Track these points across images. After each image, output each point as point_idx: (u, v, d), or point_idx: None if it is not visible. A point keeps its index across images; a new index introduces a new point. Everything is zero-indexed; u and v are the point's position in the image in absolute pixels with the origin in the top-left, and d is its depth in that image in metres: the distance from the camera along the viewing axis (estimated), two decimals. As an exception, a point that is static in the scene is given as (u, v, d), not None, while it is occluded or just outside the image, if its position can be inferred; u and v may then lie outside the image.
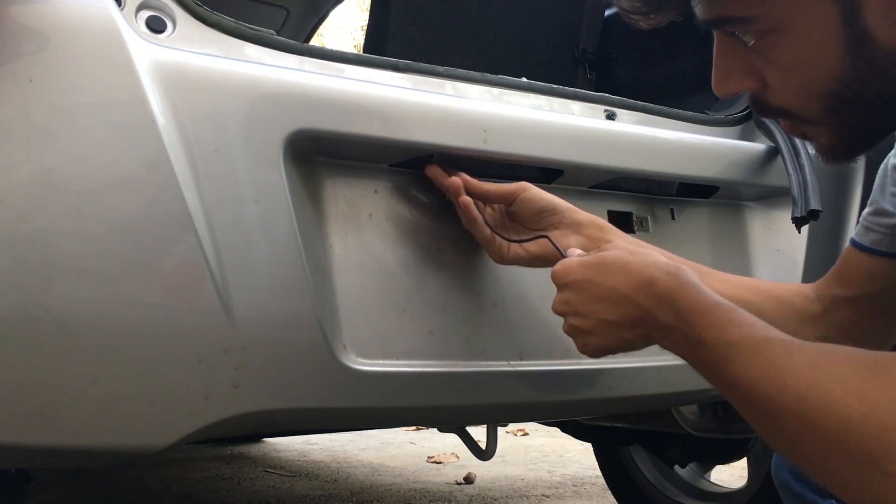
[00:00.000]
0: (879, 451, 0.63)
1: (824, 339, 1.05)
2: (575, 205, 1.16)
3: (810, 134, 0.82)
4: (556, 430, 3.05)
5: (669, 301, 0.83)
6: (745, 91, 0.82)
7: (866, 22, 0.72)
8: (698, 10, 0.78)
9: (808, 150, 1.44)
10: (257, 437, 3.80)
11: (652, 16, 0.79)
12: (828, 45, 0.74)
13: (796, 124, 0.82)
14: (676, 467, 2.20)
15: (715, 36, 0.81)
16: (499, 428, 1.92)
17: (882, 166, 1.07)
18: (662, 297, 0.84)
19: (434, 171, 1.15)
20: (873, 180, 1.09)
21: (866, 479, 0.64)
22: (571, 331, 0.93)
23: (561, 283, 0.94)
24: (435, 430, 3.56)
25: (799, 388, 0.69)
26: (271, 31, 1.15)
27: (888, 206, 1.04)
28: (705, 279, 0.90)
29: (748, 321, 0.78)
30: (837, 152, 0.82)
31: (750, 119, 1.58)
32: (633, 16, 0.80)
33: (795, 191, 1.39)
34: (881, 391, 0.65)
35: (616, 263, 0.89)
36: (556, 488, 2.88)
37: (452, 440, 3.30)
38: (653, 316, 0.85)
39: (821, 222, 1.40)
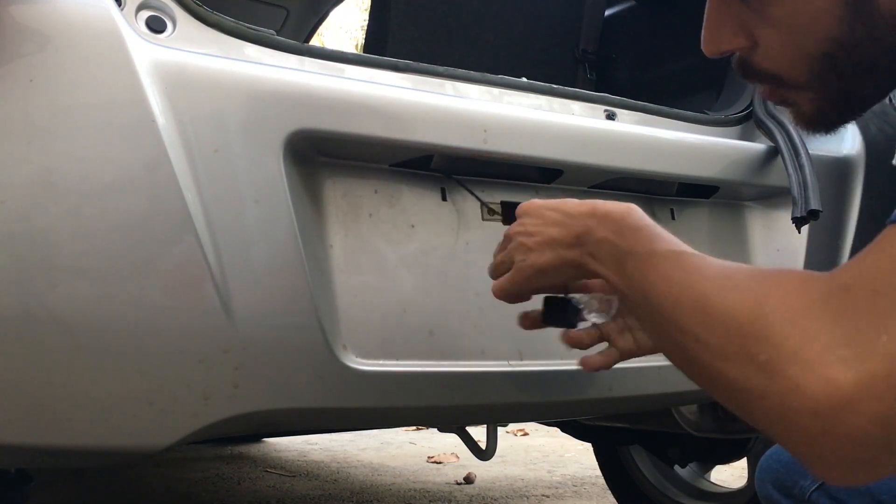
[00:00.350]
0: (765, 357, 0.62)
1: None
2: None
3: (791, 100, 0.81)
4: (556, 430, 3.05)
5: (613, 220, 0.86)
6: (733, 50, 0.81)
7: None
8: None
9: (808, 150, 1.44)
10: (257, 437, 3.79)
11: None
12: (829, 3, 0.73)
13: (779, 89, 0.81)
14: (676, 467, 2.20)
15: None
16: (499, 428, 1.92)
17: None
18: (607, 216, 0.87)
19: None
20: (873, 180, 1.09)
21: (754, 386, 0.63)
22: (515, 249, 0.96)
23: (521, 213, 0.97)
24: (435, 430, 3.56)
25: (703, 290, 0.70)
26: (271, 31, 1.15)
27: None
28: None
29: (677, 241, 0.80)
30: (817, 121, 0.81)
31: (750, 119, 1.58)
32: None
33: (795, 191, 1.39)
34: (772, 298, 0.65)
35: (574, 200, 0.93)
36: (556, 488, 2.88)
37: (452, 440, 3.30)
38: (591, 232, 0.88)
39: (821, 222, 1.40)
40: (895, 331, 0.58)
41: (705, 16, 0.81)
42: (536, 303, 1.03)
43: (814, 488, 0.97)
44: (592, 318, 1.01)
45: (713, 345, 0.67)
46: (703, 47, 0.82)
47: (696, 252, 0.78)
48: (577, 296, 1.01)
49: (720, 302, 0.68)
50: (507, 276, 0.97)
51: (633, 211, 0.86)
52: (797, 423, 0.60)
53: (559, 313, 1.02)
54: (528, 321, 1.06)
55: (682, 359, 0.73)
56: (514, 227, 0.97)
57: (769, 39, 0.78)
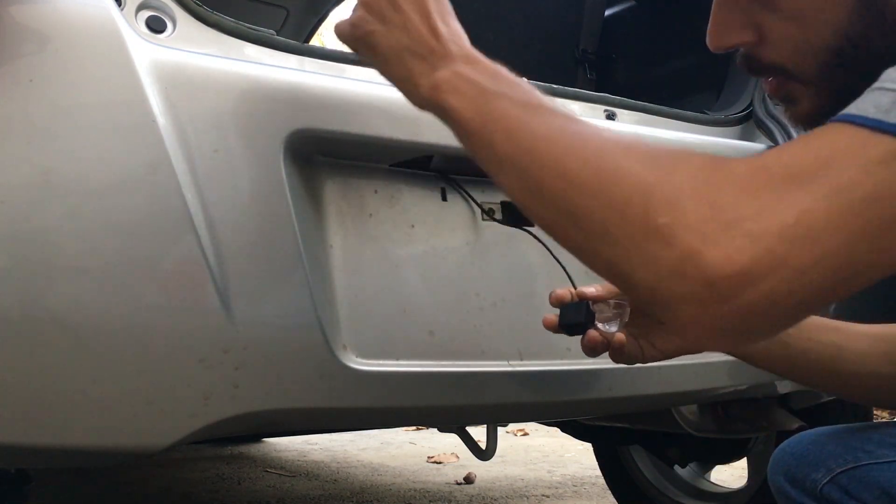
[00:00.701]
0: (666, 220, 0.59)
1: None
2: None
3: (795, 94, 0.81)
4: (556, 430, 3.05)
5: (482, 66, 0.79)
6: (740, 44, 0.81)
7: None
8: None
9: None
10: (257, 437, 3.79)
11: None
12: None
13: (783, 83, 0.81)
14: (676, 467, 2.20)
15: None
16: (499, 428, 1.92)
17: None
18: (474, 59, 0.80)
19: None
20: None
21: (648, 250, 0.60)
22: (363, 20, 0.84)
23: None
24: (435, 430, 3.56)
25: (603, 146, 0.66)
26: (271, 31, 1.15)
27: None
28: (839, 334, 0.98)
29: (540, 93, 0.74)
30: (816, 118, 0.80)
31: (750, 119, 1.58)
32: None
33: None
34: (678, 165, 0.62)
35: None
36: (556, 488, 2.88)
37: (452, 440, 3.30)
38: (453, 60, 0.79)
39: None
40: (803, 217, 0.58)
41: (712, 10, 0.81)
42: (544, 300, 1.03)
43: (825, 481, 0.97)
44: (605, 327, 0.97)
45: (606, 200, 0.62)
46: (708, 42, 0.82)
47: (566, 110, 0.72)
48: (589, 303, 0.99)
49: (622, 161, 0.64)
50: (346, 25, 0.86)
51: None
52: (689, 292, 0.58)
53: (575, 319, 0.98)
54: (549, 324, 1.02)
55: (557, 211, 0.66)
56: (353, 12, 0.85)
57: (777, 32, 0.77)
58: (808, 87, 0.79)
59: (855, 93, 0.72)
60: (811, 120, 0.81)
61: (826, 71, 0.77)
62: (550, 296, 1.02)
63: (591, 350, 0.97)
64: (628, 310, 0.97)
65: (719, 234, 0.58)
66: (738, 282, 0.57)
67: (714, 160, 0.63)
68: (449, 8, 0.84)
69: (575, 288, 1.02)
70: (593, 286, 1.00)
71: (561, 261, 1.11)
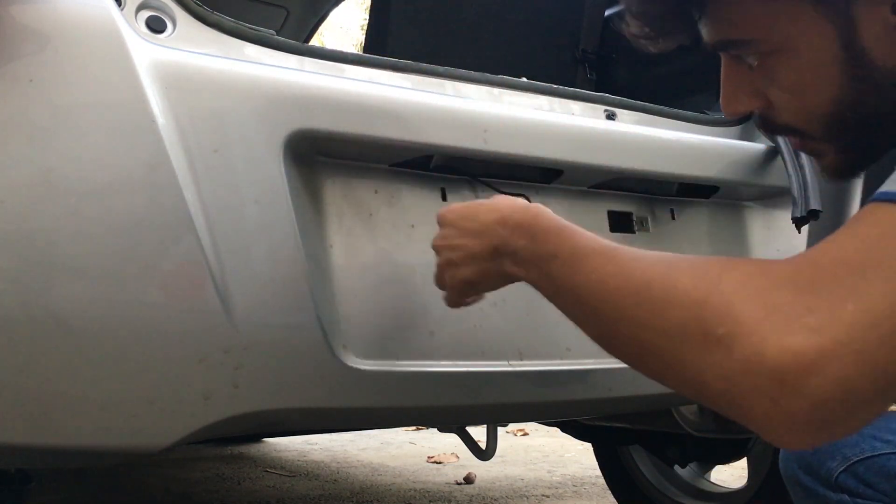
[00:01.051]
0: (725, 330, 0.62)
1: None
2: (575, 205, 1.15)
3: (818, 151, 0.85)
4: (556, 430, 3.05)
5: (525, 228, 0.87)
6: (751, 110, 0.85)
7: (863, 43, 0.74)
8: (704, 33, 0.81)
9: (808, 150, 1.44)
10: (257, 437, 3.79)
11: (660, 40, 0.83)
12: (827, 67, 0.76)
13: (804, 141, 0.85)
14: (676, 467, 2.20)
15: (721, 58, 0.84)
16: (499, 428, 1.92)
17: None
18: (519, 225, 0.88)
19: None
20: (873, 180, 1.09)
21: (712, 361, 0.63)
22: (445, 264, 0.97)
23: (440, 222, 0.99)
24: (435, 430, 3.56)
25: (646, 277, 0.70)
26: (271, 31, 1.15)
27: None
28: None
29: (595, 237, 0.81)
30: (842, 170, 0.84)
31: (750, 119, 1.58)
32: (641, 41, 0.83)
33: (795, 191, 1.39)
34: (724, 275, 0.65)
35: (485, 203, 0.94)
36: (556, 488, 2.88)
37: (452, 440, 3.30)
38: (507, 242, 0.89)
39: (821, 222, 1.40)
40: (860, 300, 0.60)
41: (721, 77, 0.85)
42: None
43: (841, 470, 0.98)
44: None
45: (664, 328, 0.67)
46: (722, 109, 0.86)
47: (620, 245, 0.78)
48: None
49: (669, 284, 0.68)
50: (447, 292, 1.00)
51: (542, 213, 0.87)
52: (759, 390, 0.61)
53: None
54: None
55: (630, 351, 0.73)
56: (437, 239, 0.99)
57: (780, 101, 0.81)
58: (826, 144, 0.83)
59: (873, 145, 0.78)
60: (840, 173, 0.85)
61: (834, 131, 0.80)
62: None
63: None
64: None
65: (779, 331, 0.60)
66: (805, 372, 0.59)
67: (759, 264, 0.67)
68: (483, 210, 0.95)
69: None
70: None
71: None
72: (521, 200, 0.95)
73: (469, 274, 0.94)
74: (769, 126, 0.85)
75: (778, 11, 0.76)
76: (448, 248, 0.96)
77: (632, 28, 0.83)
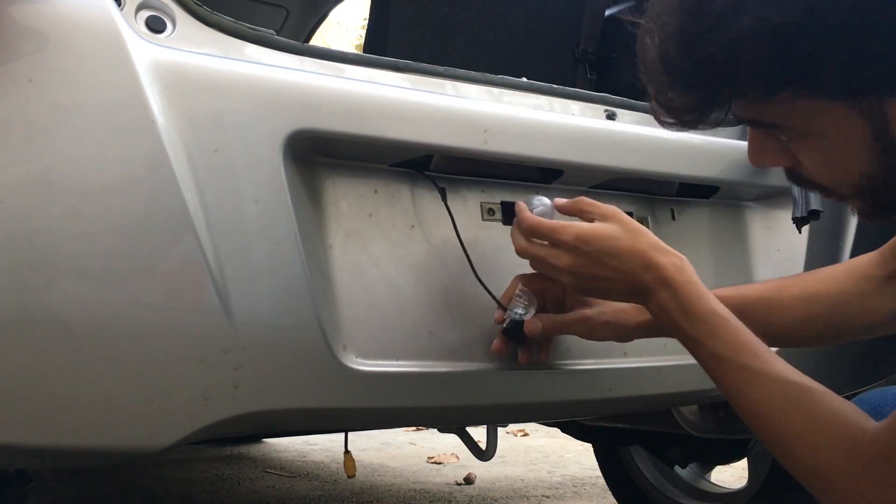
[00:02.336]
0: (830, 501, 0.82)
1: None
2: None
3: (849, 202, 0.86)
4: (556, 431, 3.05)
5: (670, 287, 0.95)
6: (779, 166, 0.87)
7: (894, 134, 0.76)
8: (734, 108, 0.83)
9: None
10: (257, 438, 3.79)
11: (690, 126, 0.85)
12: (858, 152, 0.78)
13: (830, 195, 0.87)
14: (676, 468, 2.20)
15: None
16: (499, 428, 1.92)
17: None
18: (664, 281, 0.95)
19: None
20: None
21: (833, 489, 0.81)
22: (569, 280, 1.02)
23: (560, 244, 1.01)
24: (435, 430, 3.56)
25: (778, 423, 0.85)
26: (271, 31, 1.15)
27: None
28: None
29: (743, 335, 0.90)
30: (875, 216, 0.86)
31: (750, 119, 1.58)
32: (672, 127, 0.86)
33: (796, 191, 1.39)
34: (825, 454, 0.81)
35: (623, 242, 0.98)
36: (557, 489, 2.88)
37: (452, 440, 3.30)
38: (651, 293, 0.96)
39: (821, 222, 1.40)
40: None
41: (748, 134, 0.87)
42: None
43: None
44: (523, 314, 1.11)
45: (787, 460, 0.85)
46: (749, 160, 0.88)
47: (760, 355, 0.88)
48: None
49: (791, 447, 0.84)
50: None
51: (685, 267, 0.95)
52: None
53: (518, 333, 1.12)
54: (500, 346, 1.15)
55: (768, 445, 0.89)
56: (566, 257, 1.00)
57: (810, 167, 0.83)
58: (856, 200, 0.85)
59: None
60: (872, 218, 0.86)
61: (865, 193, 0.82)
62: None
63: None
64: (534, 298, 1.11)
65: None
66: None
67: (852, 443, 0.81)
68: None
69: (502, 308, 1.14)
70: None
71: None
72: (652, 243, 0.99)
73: (594, 293, 1.04)
74: (797, 180, 0.87)
75: (809, 108, 0.77)
76: (577, 274, 1.00)
77: (660, 116, 0.86)
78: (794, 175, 0.86)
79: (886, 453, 0.77)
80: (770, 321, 1.11)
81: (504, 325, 1.12)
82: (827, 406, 0.83)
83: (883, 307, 1.09)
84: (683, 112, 0.83)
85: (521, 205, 1.09)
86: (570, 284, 1.03)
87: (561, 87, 1.39)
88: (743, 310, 1.07)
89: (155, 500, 2.66)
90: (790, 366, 0.87)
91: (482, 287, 1.17)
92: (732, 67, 0.76)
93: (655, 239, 0.99)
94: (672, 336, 0.97)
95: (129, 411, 0.96)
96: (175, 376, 0.96)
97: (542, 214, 1.07)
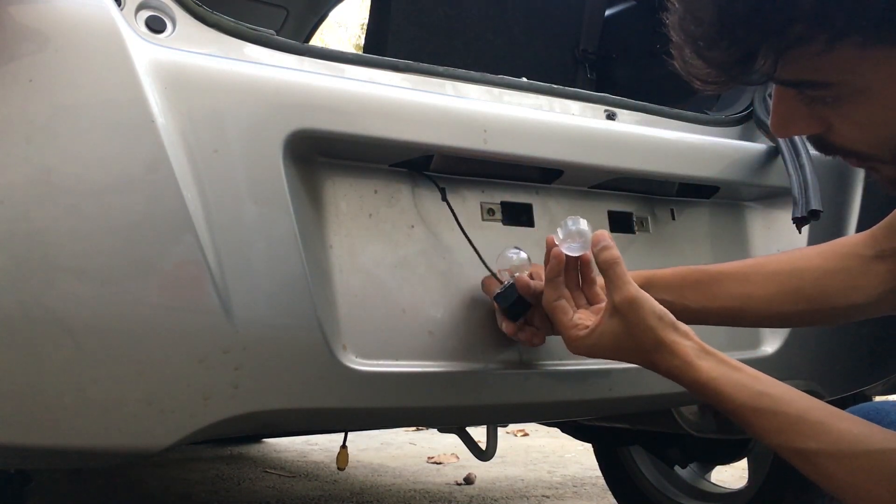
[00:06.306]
0: None
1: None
2: (575, 205, 1.15)
3: (878, 168, 0.82)
4: (556, 431, 3.05)
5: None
6: (805, 133, 0.82)
7: None
8: (773, 70, 0.76)
9: (808, 150, 1.44)
10: (257, 438, 3.79)
11: (730, 84, 0.79)
12: None
13: (863, 161, 0.82)
14: (677, 468, 2.20)
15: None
16: (499, 428, 1.92)
17: None
18: (673, 377, 0.97)
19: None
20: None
21: None
22: (574, 338, 1.05)
23: (576, 352, 1.06)
24: (435, 430, 3.56)
25: (812, 467, 0.86)
26: (271, 31, 1.15)
27: None
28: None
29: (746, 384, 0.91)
30: None
31: (750, 119, 1.58)
32: (699, 83, 0.79)
33: (796, 191, 1.39)
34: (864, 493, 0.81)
35: (626, 344, 1.00)
36: (557, 489, 2.88)
37: (452, 440, 3.30)
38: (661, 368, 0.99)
39: (821, 222, 1.40)
40: None
41: (773, 99, 0.81)
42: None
43: None
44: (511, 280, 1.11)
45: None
46: (772, 131, 0.84)
47: (766, 392, 0.89)
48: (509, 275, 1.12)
49: (830, 485, 0.85)
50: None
51: (692, 362, 0.94)
52: None
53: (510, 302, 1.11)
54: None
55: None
56: (583, 353, 1.04)
57: (847, 130, 0.79)
58: (888, 164, 0.80)
59: None
60: None
61: None
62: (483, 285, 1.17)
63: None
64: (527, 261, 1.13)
65: None
66: None
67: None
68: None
69: (492, 272, 1.14)
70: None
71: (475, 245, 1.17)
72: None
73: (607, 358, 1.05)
74: (827, 148, 0.82)
75: (866, 58, 0.72)
76: (590, 345, 1.03)
77: (693, 69, 0.78)
78: (823, 143, 0.81)
79: None
80: (750, 292, 1.11)
81: (496, 293, 1.13)
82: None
83: (868, 286, 1.08)
84: (728, 67, 0.76)
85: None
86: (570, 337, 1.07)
87: (561, 87, 1.39)
88: (721, 281, 1.07)
89: (155, 500, 2.66)
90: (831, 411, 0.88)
91: (482, 289, 1.17)
92: (797, 9, 0.69)
93: (661, 334, 0.97)
94: None
95: (129, 411, 0.96)
96: (175, 376, 0.96)
97: (570, 238, 1.06)
